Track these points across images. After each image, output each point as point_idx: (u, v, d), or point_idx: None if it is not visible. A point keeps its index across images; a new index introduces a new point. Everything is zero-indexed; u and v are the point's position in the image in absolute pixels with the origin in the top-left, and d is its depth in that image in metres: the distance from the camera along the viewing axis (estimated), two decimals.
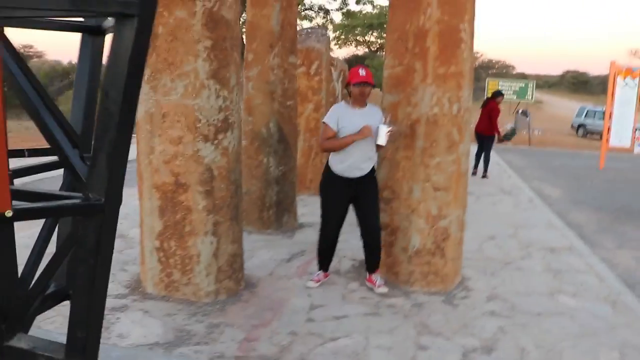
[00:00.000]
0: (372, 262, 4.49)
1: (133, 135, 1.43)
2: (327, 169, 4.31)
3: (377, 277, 4.50)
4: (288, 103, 6.02)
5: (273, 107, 5.92)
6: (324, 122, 4.22)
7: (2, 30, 1.34)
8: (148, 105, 4.01)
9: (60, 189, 1.80)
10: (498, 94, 11.14)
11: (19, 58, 1.49)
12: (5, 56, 1.29)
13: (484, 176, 10.96)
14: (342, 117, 4.13)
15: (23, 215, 1.24)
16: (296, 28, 6.13)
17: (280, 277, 4.78)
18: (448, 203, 4.35)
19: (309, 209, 7.38)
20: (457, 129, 4.31)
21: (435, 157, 4.30)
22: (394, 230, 4.55)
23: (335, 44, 37.98)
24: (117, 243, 5.59)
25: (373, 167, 4.34)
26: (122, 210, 5.59)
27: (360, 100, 4.18)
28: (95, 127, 1.33)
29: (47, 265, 1.51)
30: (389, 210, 4.56)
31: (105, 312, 3.90)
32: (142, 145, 4.12)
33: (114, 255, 4.73)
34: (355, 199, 4.30)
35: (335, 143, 4.14)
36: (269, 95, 5.89)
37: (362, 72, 4.12)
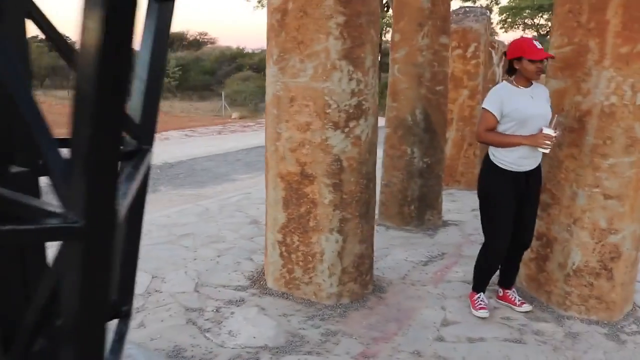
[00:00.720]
0: (512, 276, 3.87)
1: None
2: (489, 163, 3.50)
3: (514, 294, 3.87)
4: (437, 88, 5.44)
5: (420, 93, 5.39)
6: (484, 108, 3.44)
7: None
8: (276, 88, 3.72)
9: None
10: None
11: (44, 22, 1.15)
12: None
13: None
14: (508, 101, 3.35)
15: None
16: (449, 4, 5.50)
17: (414, 282, 4.30)
18: (621, 215, 3.55)
19: (457, 205, 6.76)
20: None
21: (609, 158, 3.51)
22: (550, 241, 3.84)
23: (500, 28, 35.73)
24: (249, 229, 5.48)
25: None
26: (260, 194, 5.37)
27: (534, 80, 3.43)
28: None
29: (35, 300, 1.18)
30: (545, 218, 3.86)
31: (222, 304, 3.74)
32: (269, 130, 3.86)
33: (243, 242, 4.58)
34: (521, 198, 3.52)
35: (498, 139, 3.39)
36: (416, 79, 5.37)
37: (538, 44, 3.35)
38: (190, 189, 8.30)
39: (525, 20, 34.62)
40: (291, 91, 3.64)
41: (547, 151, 3.35)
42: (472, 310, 3.73)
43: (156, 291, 4.01)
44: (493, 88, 3.56)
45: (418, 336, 3.42)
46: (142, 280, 4.17)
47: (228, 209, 6.33)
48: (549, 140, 3.28)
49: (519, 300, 3.80)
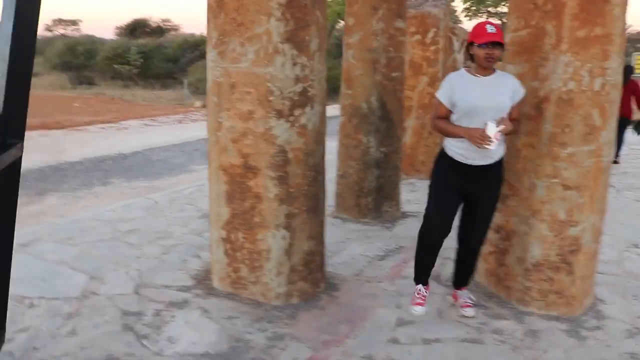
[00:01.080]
0: (463, 276, 3.63)
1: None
2: (442, 151, 3.32)
3: (464, 295, 3.63)
4: (393, 75, 5.22)
5: (375, 79, 5.16)
6: (436, 96, 3.26)
7: None
8: (215, 74, 3.45)
9: None
10: (629, 70, 9.30)
11: None
12: None
13: (615, 162, 9.28)
14: (458, 89, 3.11)
15: None
16: None
17: (369, 279, 4.09)
18: (581, 206, 3.39)
19: (417, 195, 6.58)
20: (599, 111, 3.33)
21: (567, 147, 3.35)
22: (508, 234, 3.68)
23: (465, 16, 35.88)
24: (199, 224, 5.21)
25: (502, 155, 3.23)
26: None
27: (485, 67, 3.09)
28: None
29: None
30: (504, 210, 3.68)
31: (163, 307, 3.46)
32: (210, 120, 3.59)
33: (191, 238, 4.29)
34: (469, 194, 3.28)
35: (443, 127, 3.18)
36: (371, 65, 5.14)
37: (490, 28, 3.01)
38: (144, 181, 7.96)
39: (489, 9, 34.77)
40: (232, 77, 3.37)
41: (491, 147, 2.94)
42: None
43: (93, 294, 3.72)
44: (447, 76, 3.33)
45: (371, 338, 3.22)
46: (77, 282, 3.87)
47: (179, 202, 6.03)
48: (484, 139, 2.93)
49: (464, 302, 3.58)
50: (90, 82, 31.13)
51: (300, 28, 3.27)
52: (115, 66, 30.80)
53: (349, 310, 3.58)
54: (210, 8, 3.41)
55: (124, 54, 31.60)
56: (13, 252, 4.31)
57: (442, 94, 3.18)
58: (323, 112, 3.58)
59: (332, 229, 5.17)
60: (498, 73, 3.17)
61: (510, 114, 3.12)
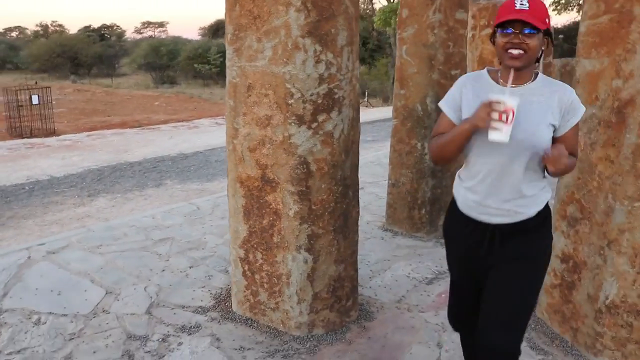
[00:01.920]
0: None
1: None
2: (452, 201, 2.21)
3: None
4: (453, 72, 4.62)
5: (432, 78, 4.58)
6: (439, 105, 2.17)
7: None
8: (232, 74, 3.04)
9: None
10: None
11: None
12: None
13: None
14: (468, 99, 2.02)
15: None
16: None
17: (411, 307, 3.55)
18: None
19: None
20: None
21: None
22: (577, 266, 3.04)
23: (553, 10, 33.83)
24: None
25: (545, 208, 2.04)
26: None
27: (509, 66, 1.89)
28: None
29: None
30: (573, 236, 3.05)
31: (172, 331, 3.05)
32: (227, 126, 3.19)
33: (224, 250, 3.88)
34: (492, 266, 2.09)
35: (436, 145, 2.05)
36: (427, 62, 4.56)
37: (520, 3, 1.84)
38: (198, 183, 7.74)
39: (581, 1, 32.66)
40: (248, 77, 2.95)
41: (495, 136, 1.80)
42: None
43: (103, 311, 3.42)
44: (461, 77, 2.20)
45: None
46: (92, 297, 3.60)
47: (221, 208, 5.70)
48: (493, 113, 1.79)
49: None
50: (172, 82, 31.98)
51: (324, 19, 2.78)
52: (196, 65, 31.45)
53: (379, 346, 3.07)
54: (226, 0, 3.00)
55: (205, 53, 32.22)
56: (39, 259, 4.13)
57: (446, 103, 2.09)
58: (354, 117, 3.08)
59: (380, 244, 4.68)
60: (540, 80, 1.99)
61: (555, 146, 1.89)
